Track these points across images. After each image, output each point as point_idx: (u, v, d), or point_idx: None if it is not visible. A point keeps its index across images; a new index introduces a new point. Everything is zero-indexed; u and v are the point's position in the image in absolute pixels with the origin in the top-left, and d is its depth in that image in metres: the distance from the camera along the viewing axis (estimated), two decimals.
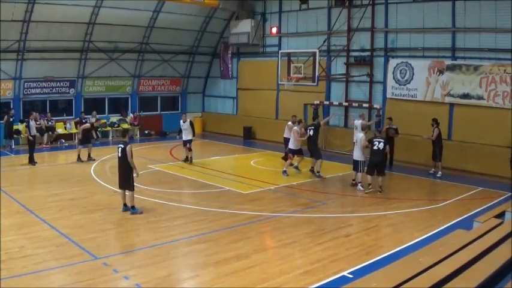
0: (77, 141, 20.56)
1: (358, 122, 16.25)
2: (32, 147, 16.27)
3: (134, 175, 10.63)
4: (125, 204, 10.76)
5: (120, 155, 10.61)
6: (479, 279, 4.48)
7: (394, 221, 10.61)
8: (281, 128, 17.58)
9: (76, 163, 16.71)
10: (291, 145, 15.08)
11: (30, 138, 16.23)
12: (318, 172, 14.79)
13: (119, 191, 10.94)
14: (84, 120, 20.88)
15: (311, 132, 14.93)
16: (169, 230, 9.66)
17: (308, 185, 14.03)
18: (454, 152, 16.12)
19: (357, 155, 13.46)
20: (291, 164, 15.26)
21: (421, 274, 4.77)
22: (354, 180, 13.73)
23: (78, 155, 17.00)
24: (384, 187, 13.20)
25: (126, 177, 10.60)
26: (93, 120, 17.94)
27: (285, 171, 15.05)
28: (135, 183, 10.85)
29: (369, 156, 13.11)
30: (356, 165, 13.47)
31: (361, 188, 13.28)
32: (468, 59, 16.28)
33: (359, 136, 13.55)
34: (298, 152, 15.15)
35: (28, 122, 16.59)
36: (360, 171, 13.35)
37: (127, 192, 10.71)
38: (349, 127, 19.51)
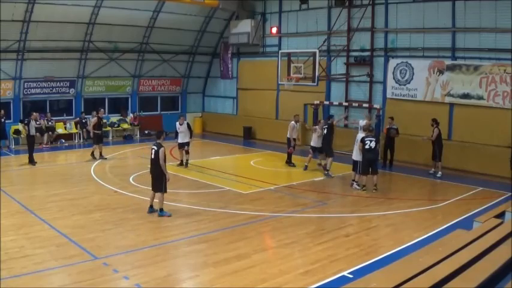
0: (84, 140, 20.75)
1: (362, 123, 16.21)
2: (31, 147, 16.28)
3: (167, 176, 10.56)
4: (151, 206, 10.67)
5: (153, 156, 10.59)
6: (479, 279, 4.47)
7: (394, 221, 10.60)
8: (281, 128, 17.56)
9: (90, 161, 16.81)
10: (313, 143, 15.83)
11: (26, 133, 16.35)
12: (327, 171, 15.08)
13: (151, 192, 10.76)
14: (84, 120, 20.99)
15: (325, 131, 15.33)
16: (169, 230, 9.66)
17: (308, 185, 14.04)
18: (454, 152, 16.12)
19: (356, 155, 13.50)
20: (320, 164, 15.81)
21: (421, 274, 4.75)
22: (353, 180, 13.75)
23: (99, 153, 17.15)
24: (379, 185, 13.24)
25: (158, 179, 10.49)
26: (98, 114, 17.70)
27: (306, 167, 15.85)
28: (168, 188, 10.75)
29: (362, 156, 13.14)
30: (355, 165, 13.50)
31: (357, 187, 13.34)
32: (468, 59, 16.28)
33: (359, 137, 13.55)
34: (316, 150, 15.75)
35: (28, 122, 16.59)
36: (359, 172, 13.37)
37: (157, 194, 10.57)
38: (349, 127, 19.53)
